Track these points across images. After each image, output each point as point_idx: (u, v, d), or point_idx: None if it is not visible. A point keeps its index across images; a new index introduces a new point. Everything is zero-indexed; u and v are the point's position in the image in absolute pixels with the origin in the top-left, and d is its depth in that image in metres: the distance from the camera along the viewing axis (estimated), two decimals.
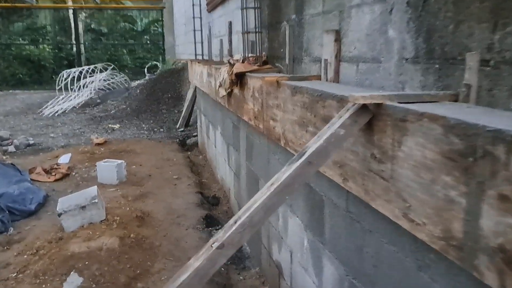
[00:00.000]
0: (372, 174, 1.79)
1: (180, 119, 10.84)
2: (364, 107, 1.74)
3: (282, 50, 3.99)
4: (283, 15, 3.86)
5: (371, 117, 1.76)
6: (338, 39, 2.77)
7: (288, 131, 2.86)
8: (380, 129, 1.72)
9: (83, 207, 4.18)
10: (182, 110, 11.21)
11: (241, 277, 3.99)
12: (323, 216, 2.62)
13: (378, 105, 1.71)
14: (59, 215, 4.14)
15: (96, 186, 4.52)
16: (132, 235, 4.06)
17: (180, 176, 6.54)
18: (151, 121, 11.39)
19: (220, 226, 4.85)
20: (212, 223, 4.95)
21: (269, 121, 3.30)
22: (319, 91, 2.31)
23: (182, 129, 10.60)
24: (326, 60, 2.93)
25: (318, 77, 3.07)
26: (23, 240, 4.35)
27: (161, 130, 10.59)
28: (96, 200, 4.24)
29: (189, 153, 8.80)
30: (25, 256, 3.91)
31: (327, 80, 2.94)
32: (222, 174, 6.29)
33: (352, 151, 1.95)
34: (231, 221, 1.72)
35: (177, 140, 9.55)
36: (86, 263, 3.50)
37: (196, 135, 9.70)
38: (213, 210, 5.52)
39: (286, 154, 3.14)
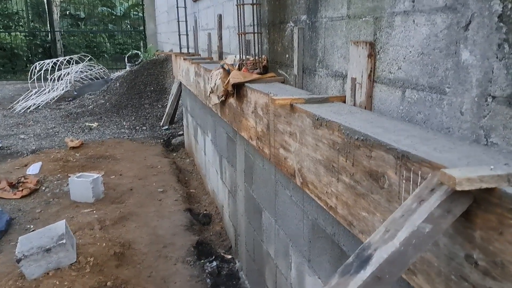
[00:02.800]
0: (468, 286, 1.18)
1: (165, 116, 10.10)
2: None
3: (287, 56, 3.34)
4: (290, 14, 3.20)
5: (471, 203, 1.14)
6: (372, 54, 2.13)
7: (307, 170, 2.24)
8: (488, 224, 1.10)
9: (48, 250, 3.48)
10: (166, 106, 10.46)
11: None
12: None
13: (486, 189, 1.09)
14: (18, 260, 3.43)
15: (64, 221, 3.80)
16: (109, 283, 3.40)
17: (165, 188, 5.87)
18: (133, 118, 10.61)
19: (213, 257, 4.23)
20: (204, 251, 4.32)
21: (278, 149, 2.67)
22: (361, 134, 1.68)
23: (166, 127, 9.87)
24: (354, 79, 2.30)
25: (342, 99, 2.44)
26: None
27: (144, 128, 9.84)
28: (64, 241, 3.53)
29: (174, 154, 8.11)
30: None
31: (354, 104, 2.32)
32: (213, 186, 5.65)
33: None
34: None
35: (161, 140, 8.83)
36: None
37: (182, 134, 9.00)
38: (204, 232, 4.89)
39: (303, 194, 2.52)
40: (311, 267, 2.50)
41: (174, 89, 9.89)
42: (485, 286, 1.12)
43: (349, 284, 1.12)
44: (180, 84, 8.85)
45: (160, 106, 11.31)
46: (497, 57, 1.41)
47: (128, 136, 9.09)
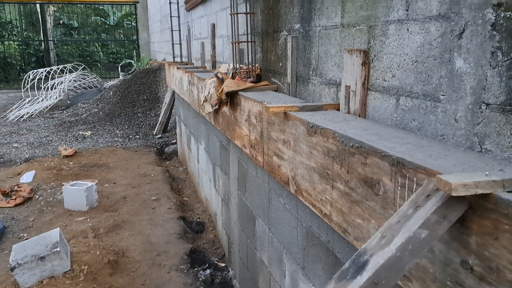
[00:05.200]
0: None
1: (158, 125, 10.07)
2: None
3: (280, 64, 3.35)
4: (283, 23, 3.22)
5: (466, 209, 1.15)
6: (366, 62, 2.15)
7: (301, 177, 2.24)
8: (483, 229, 1.11)
9: (42, 258, 3.44)
10: (159, 114, 10.45)
11: None
12: None
13: (482, 195, 1.10)
14: (12, 269, 3.39)
15: (58, 229, 3.77)
16: None
17: (159, 196, 5.83)
18: (126, 127, 10.57)
19: (207, 265, 4.20)
20: (197, 259, 4.29)
21: (271, 157, 2.67)
22: (356, 141, 1.68)
23: (159, 135, 9.84)
24: (348, 86, 2.31)
25: (336, 106, 2.45)
26: None
27: (137, 137, 9.80)
28: (58, 249, 3.50)
29: (168, 163, 8.08)
30: None
31: (349, 112, 2.33)
32: (206, 194, 5.62)
33: None
34: None
35: (155, 148, 8.80)
36: None
37: (175, 143, 8.98)
38: (197, 240, 4.86)
39: (297, 202, 2.52)
40: (305, 275, 2.49)
41: (167, 98, 9.89)
42: None
43: None
44: (173, 93, 8.85)
45: (153, 114, 11.29)
46: (490, 65, 1.43)
47: (122, 144, 9.05)
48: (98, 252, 3.95)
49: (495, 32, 1.40)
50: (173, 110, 9.76)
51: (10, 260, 3.47)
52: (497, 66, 1.40)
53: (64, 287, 3.36)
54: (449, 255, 1.23)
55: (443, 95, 1.65)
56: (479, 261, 1.12)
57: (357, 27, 2.22)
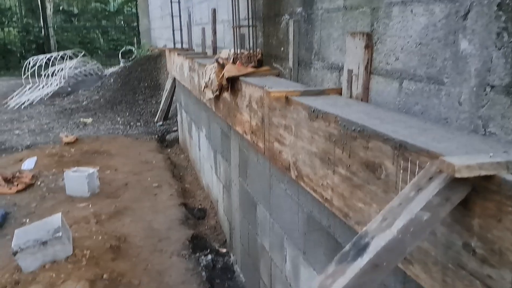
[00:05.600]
0: (465, 274, 1.17)
1: (159, 112, 10.04)
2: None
3: (282, 49, 3.32)
4: (285, 6, 3.18)
5: (469, 191, 1.13)
6: (369, 46, 2.12)
7: (302, 163, 2.22)
8: (486, 212, 1.09)
9: (44, 243, 3.45)
10: (160, 101, 10.41)
11: None
12: None
13: (485, 176, 1.08)
14: (15, 253, 3.40)
15: (60, 214, 3.78)
16: (105, 275, 3.38)
17: (160, 183, 5.83)
18: (127, 114, 10.54)
19: (208, 251, 4.21)
20: (199, 245, 4.30)
21: (272, 143, 2.65)
22: (358, 125, 1.66)
23: (160, 123, 9.81)
24: (350, 70, 2.28)
25: (338, 91, 2.43)
26: None
27: (138, 124, 9.78)
28: (60, 234, 3.51)
29: (169, 150, 8.07)
30: None
31: (351, 96, 2.30)
32: (208, 181, 5.62)
33: None
34: None
35: (156, 136, 8.78)
36: None
37: (177, 130, 8.96)
38: (199, 226, 4.87)
39: (298, 187, 2.50)
40: (306, 259, 2.49)
41: (168, 85, 9.84)
42: (482, 273, 1.11)
43: (346, 272, 1.11)
44: (174, 79, 8.80)
45: (154, 102, 11.25)
46: (496, 46, 1.40)
47: (123, 132, 9.03)
48: (100, 238, 3.97)
49: (501, 13, 1.37)
50: (174, 97, 9.72)
51: (12, 245, 3.49)
52: (502, 48, 1.38)
53: (66, 272, 3.38)
54: (451, 238, 1.22)
55: (447, 78, 1.63)
56: (481, 244, 1.11)
57: (360, 10, 2.19)
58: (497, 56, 1.39)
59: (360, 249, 1.14)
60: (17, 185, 5.64)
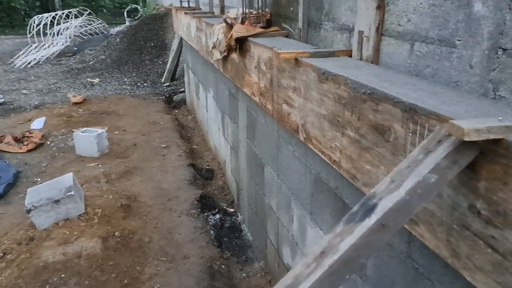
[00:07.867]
0: (469, 234, 1.21)
1: (166, 73, 9.99)
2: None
3: (291, 8, 3.26)
4: None
5: (477, 154, 1.15)
6: (381, 6, 2.08)
7: (311, 125, 2.24)
8: (493, 174, 1.12)
9: (57, 201, 3.55)
10: (167, 62, 10.34)
11: (244, 274, 3.51)
12: None
13: (493, 140, 1.10)
14: (29, 211, 3.51)
15: (71, 174, 3.86)
16: (117, 233, 3.49)
17: (168, 144, 5.90)
18: (134, 74, 10.51)
19: (216, 210, 4.31)
20: (207, 205, 4.40)
21: (281, 105, 2.66)
22: (368, 87, 1.67)
23: (167, 83, 9.79)
24: (361, 32, 2.26)
25: (348, 52, 2.41)
26: None
27: (145, 84, 9.76)
28: (72, 192, 3.60)
29: (176, 111, 8.10)
30: None
31: (361, 58, 2.29)
32: (215, 143, 5.67)
33: None
34: None
35: (163, 96, 8.79)
36: (62, 276, 2.94)
37: (184, 91, 8.95)
38: (207, 186, 4.96)
39: (307, 149, 2.53)
40: (313, 220, 2.56)
41: (174, 45, 9.74)
42: (486, 234, 1.15)
43: (354, 231, 1.15)
44: (181, 39, 8.70)
45: (160, 62, 11.18)
46: (510, 8, 1.38)
47: (130, 92, 9.04)
48: (111, 197, 4.07)
49: None
50: (181, 58, 9.65)
51: (25, 203, 3.59)
52: None
53: (79, 229, 3.49)
54: (457, 200, 1.25)
55: (459, 40, 1.61)
56: (486, 205, 1.14)
57: None
58: (510, 19, 1.37)
59: (368, 210, 1.17)
60: (28, 144, 5.73)
